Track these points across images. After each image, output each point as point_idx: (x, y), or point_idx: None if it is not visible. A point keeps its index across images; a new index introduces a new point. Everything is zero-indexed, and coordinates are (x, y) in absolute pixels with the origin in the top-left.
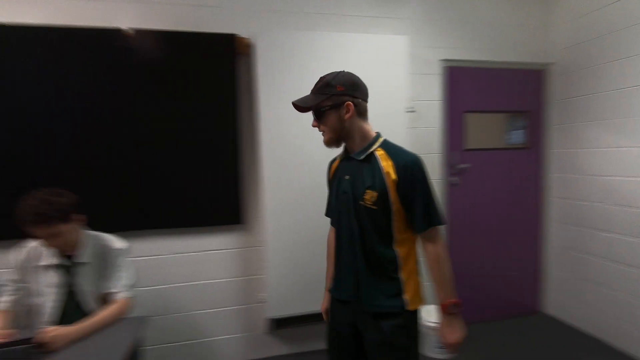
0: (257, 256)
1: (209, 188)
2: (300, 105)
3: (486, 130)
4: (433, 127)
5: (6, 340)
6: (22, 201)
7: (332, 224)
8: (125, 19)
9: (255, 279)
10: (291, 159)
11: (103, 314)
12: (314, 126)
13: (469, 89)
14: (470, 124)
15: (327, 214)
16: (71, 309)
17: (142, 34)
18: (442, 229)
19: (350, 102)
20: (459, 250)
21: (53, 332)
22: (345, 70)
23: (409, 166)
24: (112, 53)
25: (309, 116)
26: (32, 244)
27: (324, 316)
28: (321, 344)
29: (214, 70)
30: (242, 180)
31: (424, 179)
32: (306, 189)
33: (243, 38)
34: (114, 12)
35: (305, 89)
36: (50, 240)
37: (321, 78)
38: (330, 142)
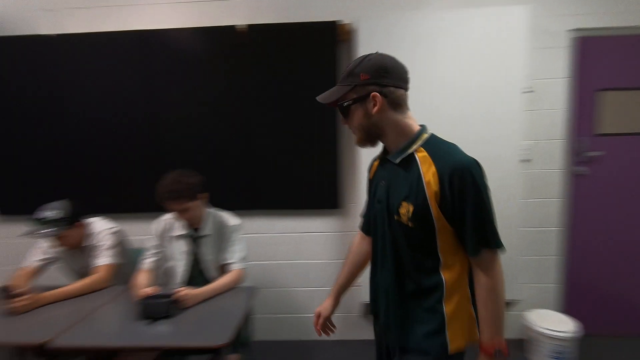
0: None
1: (310, 174)
2: (322, 102)
3: (628, 112)
4: (556, 109)
5: (153, 293)
6: (161, 181)
7: (362, 227)
8: (237, 17)
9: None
10: None
11: (222, 281)
12: (343, 124)
13: (606, 62)
14: (606, 105)
15: (362, 215)
16: (196, 273)
17: (252, 29)
18: (498, 253)
19: (376, 93)
20: (583, 254)
21: (186, 292)
22: (376, 53)
23: (458, 173)
24: (227, 49)
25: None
26: (168, 217)
27: (314, 319)
28: None
29: (316, 59)
30: (341, 167)
31: (477, 191)
32: None
33: (344, 24)
34: (227, 10)
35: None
36: (180, 213)
37: (347, 65)
38: (361, 143)
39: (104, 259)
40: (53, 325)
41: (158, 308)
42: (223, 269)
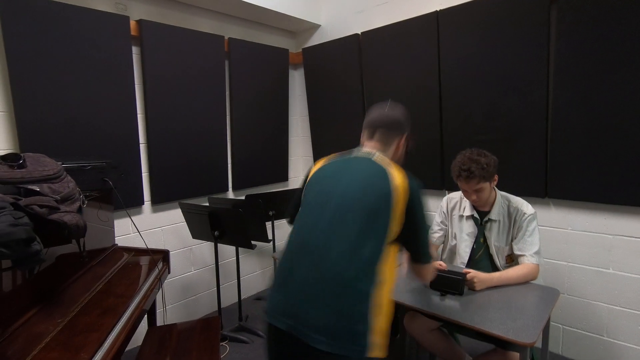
0: None
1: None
2: None
3: None
4: None
5: (443, 268)
6: (457, 158)
7: None
8: None
9: None
10: None
11: (514, 272)
12: None
13: None
14: None
15: None
16: (482, 257)
17: None
18: None
19: None
20: None
21: (477, 275)
22: None
23: None
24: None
25: None
26: (456, 196)
27: None
28: None
29: None
30: None
31: None
32: None
33: None
34: None
35: None
36: (469, 193)
37: None
38: None
39: None
40: None
41: (453, 283)
42: (512, 259)
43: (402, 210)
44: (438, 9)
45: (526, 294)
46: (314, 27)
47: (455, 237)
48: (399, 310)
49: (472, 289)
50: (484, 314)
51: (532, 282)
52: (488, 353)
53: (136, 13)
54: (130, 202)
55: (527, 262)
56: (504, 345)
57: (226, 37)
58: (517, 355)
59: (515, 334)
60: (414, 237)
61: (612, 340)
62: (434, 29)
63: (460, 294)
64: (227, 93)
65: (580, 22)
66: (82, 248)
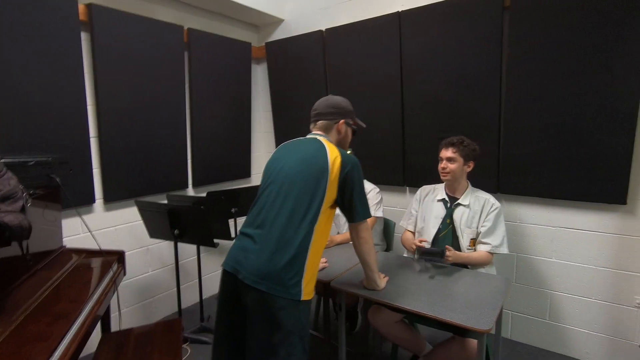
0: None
1: (596, 158)
2: None
3: None
4: None
5: (424, 242)
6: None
7: None
8: None
9: (631, 275)
10: None
11: (475, 257)
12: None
13: None
14: None
15: None
16: (444, 236)
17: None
18: None
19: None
20: None
21: (454, 252)
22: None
23: None
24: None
25: None
26: (429, 186)
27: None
28: None
29: None
30: (637, 152)
31: None
32: None
33: None
34: None
35: None
36: (443, 160)
37: None
38: None
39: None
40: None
41: (436, 252)
42: (474, 243)
43: (336, 178)
44: (400, 10)
45: (483, 284)
46: (277, 22)
47: (424, 220)
48: (359, 306)
49: (446, 260)
50: (445, 304)
51: (487, 272)
52: (447, 341)
53: None
54: (81, 201)
55: (487, 250)
56: (462, 332)
57: (185, 28)
58: (475, 342)
59: (474, 321)
60: (349, 201)
61: (554, 323)
62: (396, 29)
63: (442, 256)
64: (187, 86)
65: (531, 27)
66: (25, 251)
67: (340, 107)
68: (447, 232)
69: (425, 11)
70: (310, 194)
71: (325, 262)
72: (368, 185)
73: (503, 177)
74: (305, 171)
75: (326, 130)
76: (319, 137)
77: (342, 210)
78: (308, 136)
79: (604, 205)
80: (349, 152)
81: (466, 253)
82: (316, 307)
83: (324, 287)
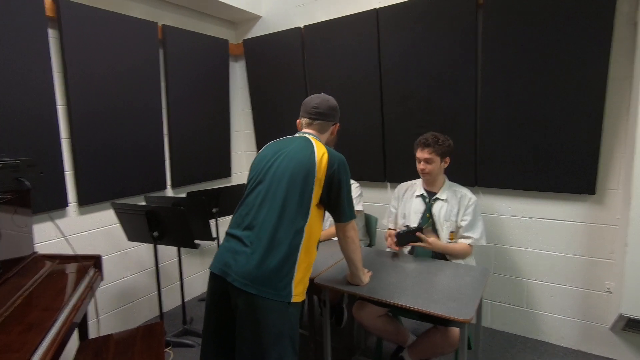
0: (608, 236)
1: (566, 150)
2: None
3: None
4: None
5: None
6: (423, 135)
7: None
8: None
9: (601, 262)
10: None
11: (454, 247)
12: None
13: None
14: None
15: None
16: (426, 230)
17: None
18: None
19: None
20: None
21: (434, 240)
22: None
23: None
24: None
25: None
26: (406, 183)
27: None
28: None
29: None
30: (604, 144)
31: None
32: None
33: None
34: None
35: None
36: (420, 161)
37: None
38: None
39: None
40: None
41: (411, 230)
42: (454, 236)
43: (323, 177)
44: (377, 7)
45: (463, 275)
46: (254, 18)
47: (404, 217)
48: (344, 302)
49: (425, 243)
50: (427, 296)
51: (467, 263)
52: (430, 331)
53: None
54: (53, 204)
55: (467, 243)
56: (444, 323)
57: (160, 24)
58: (457, 330)
59: (456, 312)
60: (336, 200)
61: (530, 310)
62: (374, 26)
63: (420, 230)
64: (163, 84)
65: (504, 25)
66: None
67: (337, 110)
68: (428, 226)
69: (403, 8)
70: (299, 193)
71: None
72: None
73: (480, 171)
74: (294, 170)
75: (321, 131)
76: (308, 136)
77: (328, 209)
78: (297, 134)
79: (575, 195)
80: None
81: (445, 243)
82: (300, 303)
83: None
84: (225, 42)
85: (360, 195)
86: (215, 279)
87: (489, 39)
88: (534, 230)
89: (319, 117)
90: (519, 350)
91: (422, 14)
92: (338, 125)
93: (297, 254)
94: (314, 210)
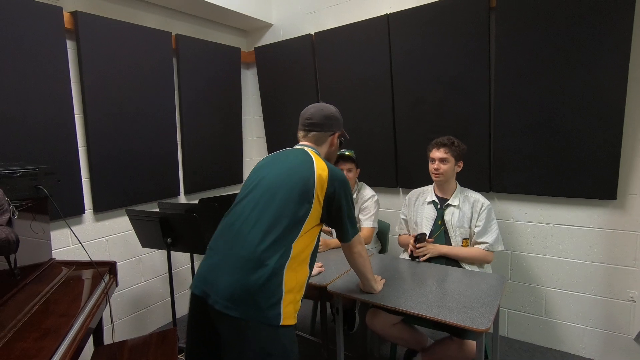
0: (631, 243)
1: (585, 154)
2: None
3: None
4: None
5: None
6: (439, 137)
7: None
8: None
9: (623, 269)
10: None
11: (466, 252)
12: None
13: None
14: None
15: None
16: (437, 237)
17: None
18: None
19: None
20: None
21: (432, 243)
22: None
23: None
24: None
25: None
26: (417, 190)
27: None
28: None
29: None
30: (625, 147)
31: None
32: None
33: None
34: None
35: None
36: (435, 161)
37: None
38: None
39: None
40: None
41: (421, 239)
42: (467, 242)
43: (322, 194)
44: (388, 12)
45: (478, 284)
46: (266, 26)
47: (416, 224)
48: (357, 307)
49: (426, 251)
50: (442, 304)
51: (483, 271)
52: (444, 341)
53: (70, 4)
54: (70, 211)
55: (481, 248)
56: (459, 333)
57: (173, 34)
58: (472, 343)
59: (472, 321)
60: (338, 220)
61: (550, 319)
62: (385, 32)
63: (423, 239)
64: (176, 92)
65: (517, 27)
66: (13, 265)
67: (335, 119)
68: (440, 233)
69: (413, 13)
70: (292, 209)
71: (322, 267)
72: (368, 192)
73: (495, 176)
74: (289, 184)
75: (318, 142)
76: (306, 149)
77: (331, 227)
78: (295, 147)
79: (595, 200)
80: (348, 153)
81: (449, 247)
82: (313, 311)
83: (320, 292)
84: (237, 50)
85: (377, 210)
86: (196, 300)
87: (502, 42)
88: (552, 236)
89: (313, 128)
90: None
91: (433, 18)
92: (338, 134)
93: (282, 273)
94: (306, 228)
